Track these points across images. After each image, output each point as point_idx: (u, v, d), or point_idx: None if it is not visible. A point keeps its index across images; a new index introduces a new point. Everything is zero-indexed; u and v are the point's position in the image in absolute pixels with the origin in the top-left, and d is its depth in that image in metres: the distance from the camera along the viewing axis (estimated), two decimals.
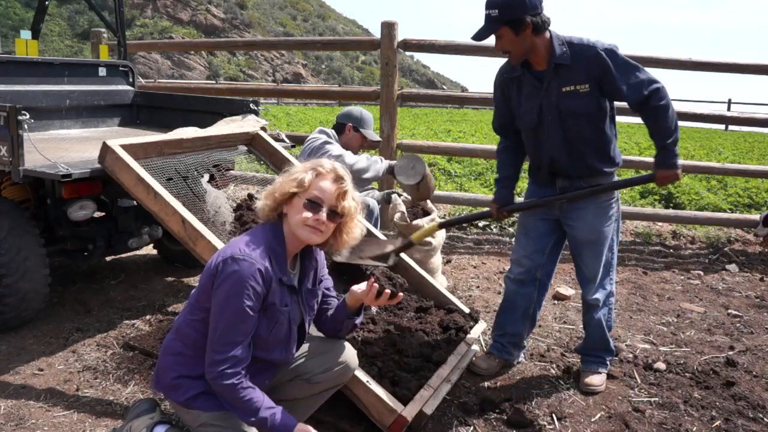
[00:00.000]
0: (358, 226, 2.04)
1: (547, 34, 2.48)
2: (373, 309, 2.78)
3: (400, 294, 2.10)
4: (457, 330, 2.86)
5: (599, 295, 2.75)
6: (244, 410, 1.83)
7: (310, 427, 1.89)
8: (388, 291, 2.04)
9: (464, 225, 5.68)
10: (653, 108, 2.46)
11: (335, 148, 3.59)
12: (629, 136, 13.50)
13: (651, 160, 5.41)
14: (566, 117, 2.52)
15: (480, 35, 2.47)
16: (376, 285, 2.04)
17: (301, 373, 2.09)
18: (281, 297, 1.91)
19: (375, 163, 3.66)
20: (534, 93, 2.54)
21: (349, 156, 3.58)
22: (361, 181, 3.57)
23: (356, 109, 3.91)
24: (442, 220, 3.00)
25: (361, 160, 3.62)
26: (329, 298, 2.18)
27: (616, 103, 2.62)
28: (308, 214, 1.88)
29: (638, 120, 2.60)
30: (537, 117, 2.56)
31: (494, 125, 2.83)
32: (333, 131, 3.82)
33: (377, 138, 3.94)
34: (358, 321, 2.14)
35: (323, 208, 1.90)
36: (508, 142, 2.80)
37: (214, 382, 1.83)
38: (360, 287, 2.09)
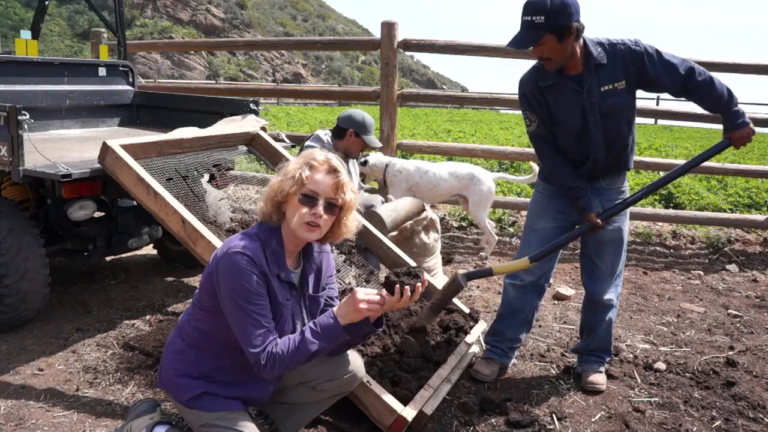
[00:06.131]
0: (354, 220, 2.00)
1: (581, 39, 2.46)
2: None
3: (424, 280, 1.92)
4: (457, 330, 2.86)
5: (612, 295, 2.76)
6: (303, 360, 1.82)
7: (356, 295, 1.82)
8: (419, 285, 1.87)
9: (465, 226, 5.67)
10: (696, 86, 2.46)
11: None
12: None
13: (650, 159, 5.46)
14: (607, 116, 2.51)
15: (522, 42, 2.38)
16: (407, 288, 1.85)
17: (307, 380, 2.06)
18: (281, 293, 1.90)
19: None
20: (575, 97, 2.49)
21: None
22: None
23: (358, 113, 3.82)
24: (533, 255, 2.57)
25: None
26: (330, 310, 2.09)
27: None
28: (305, 210, 1.85)
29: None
30: (580, 120, 2.51)
31: (538, 136, 2.61)
32: (328, 136, 3.79)
33: (378, 144, 3.90)
34: (379, 330, 1.99)
35: (319, 202, 1.86)
36: (562, 153, 2.61)
37: (266, 376, 1.83)
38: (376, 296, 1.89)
